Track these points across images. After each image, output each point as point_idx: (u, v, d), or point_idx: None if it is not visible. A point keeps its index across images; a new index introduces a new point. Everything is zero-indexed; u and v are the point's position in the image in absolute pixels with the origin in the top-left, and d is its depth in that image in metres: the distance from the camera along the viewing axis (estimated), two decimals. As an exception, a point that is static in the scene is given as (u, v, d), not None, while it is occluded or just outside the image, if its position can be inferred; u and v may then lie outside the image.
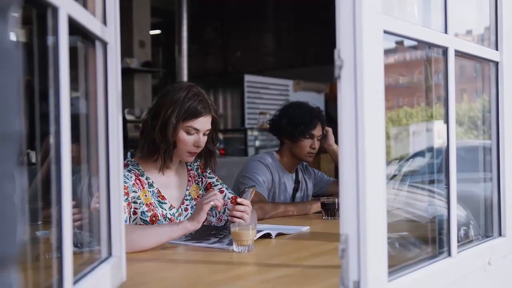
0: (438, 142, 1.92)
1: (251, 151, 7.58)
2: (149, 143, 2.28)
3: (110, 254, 1.43)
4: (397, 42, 1.55)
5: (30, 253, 1.29)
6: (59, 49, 1.04)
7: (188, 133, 2.26)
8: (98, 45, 1.39)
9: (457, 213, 1.63)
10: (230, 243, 1.98)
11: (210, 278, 1.65)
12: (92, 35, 1.32)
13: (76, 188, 1.22)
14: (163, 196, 2.32)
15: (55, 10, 1.03)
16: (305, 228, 2.44)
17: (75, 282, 1.13)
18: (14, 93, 0.62)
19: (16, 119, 0.63)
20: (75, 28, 1.15)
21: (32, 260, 1.30)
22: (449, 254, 1.58)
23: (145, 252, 1.99)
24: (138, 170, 2.28)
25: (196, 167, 2.50)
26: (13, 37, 0.64)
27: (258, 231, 2.11)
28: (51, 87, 1.05)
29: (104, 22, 1.41)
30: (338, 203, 2.74)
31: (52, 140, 1.05)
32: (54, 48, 1.04)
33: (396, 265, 1.39)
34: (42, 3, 0.99)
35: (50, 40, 1.05)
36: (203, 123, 2.28)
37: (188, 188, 2.43)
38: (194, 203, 2.42)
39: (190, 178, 2.46)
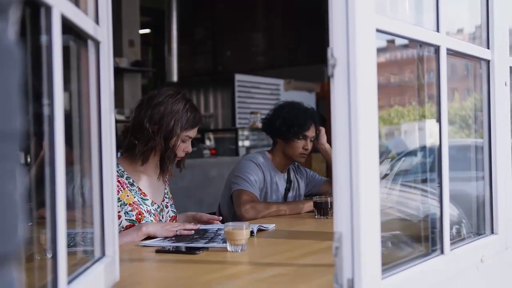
0: (430, 141, 1.93)
1: (242, 151, 7.57)
2: (149, 149, 2.35)
3: (103, 254, 1.43)
4: (388, 41, 1.56)
5: (23, 253, 1.29)
6: (52, 48, 1.03)
7: (183, 141, 2.40)
8: (90, 44, 1.38)
9: (450, 212, 1.64)
10: (224, 241, 1.98)
11: (204, 277, 1.64)
12: (85, 34, 1.31)
13: (68, 189, 1.21)
14: (144, 193, 2.40)
15: (48, 9, 1.02)
16: (271, 226, 2.46)
17: (69, 282, 1.13)
18: (15, 91, 0.62)
19: (17, 118, 0.63)
20: (67, 27, 1.15)
21: (25, 261, 1.29)
22: (442, 252, 1.58)
23: (138, 253, 1.99)
24: (118, 171, 2.31)
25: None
26: (13, 36, 0.64)
27: None
28: (44, 87, 1.04)
29: (97, 21, 1.40)
30: (330, 202, 2.74)
31: (45, 140, 1.04)
32: (48, 47, 1.04)
33: (389, 263, 1.39)
34: (36, 2, 0.98)
35: (43, 39, 1.04)
36: (196, 131, 2.46)
37: (166, 187, 2.56)
38: (171, 202, 2.56)
39: (166, 179, 2.57)
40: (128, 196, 2.32)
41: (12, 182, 0.62)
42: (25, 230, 0.65)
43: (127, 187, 2.34)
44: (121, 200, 2.29)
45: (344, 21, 1.21)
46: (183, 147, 2.41)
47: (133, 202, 2.32)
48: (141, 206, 2.34)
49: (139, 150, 2.34)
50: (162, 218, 2.44)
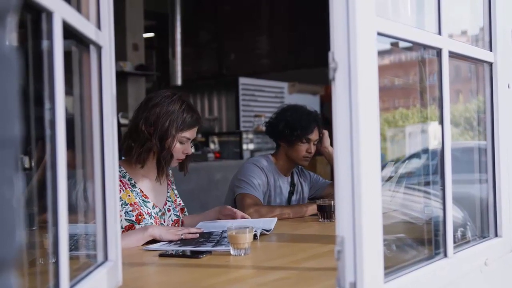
0: (434, 143, 1.92)
1: (246, 154, 7.57)
2: (145, 151, 2.36)
3: (106, 258, 1.43)
4: (392, 44, 1.56)
5: (25, 258, 1.29)
6: (53, 54, 1.04)
7: (181, 142, 2.40)
8: (92, 49, 1.39)
9: (454, 214, 1.63)
10: (229, 245, 1.97)
11: (207, 281, 1.64)
12: (86, 39, 1.31)
13: (71, 193, 1.22)
14: (146, 195, 2.41)
15: (49, 14, 1.03)
16: (274, 220, 2.51)
17: (71, 287, 1.13)
18: (13, 98, 0.63)
19: (15, 124, 0.64)
20: (69, 32, 1.15)
21: (28, 265, 1.30)
22: (445, 255, 1.58)
23: (141, 257, 1.99)
24: (120, 172, 2.32)
25: (170, 173, 2.64)
26: (11, 42, 0.64)
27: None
28: (46, 92, 1.04)
29: (98, 26, 1.40)
30: (334, 205, 2.73)
31: (47, 144, 1.04)
32: (49, 52, 1.04)
33: (392, 266, 1.39)
34: (37, 7, 0.99)
35: (44, 44, 1.05)
36: (194, 132, 2.45)
37: (168, 190, 2.55)
38: (174, 205, 2.55)
39: (169, 182, 2.58)
40: (129, 196, 2.33)
41: (10, 188, 0.62)
42: (23, 236, 0.66)
43: (129, 187, 2.35)
44: (122, 200, 2.29)
45: (344, 24, 1.21)
46: (182, 149, 2.40)
47: (134, 203, 2.33)
48: (142, 207, 2.35)
49: (136, 152, 2.35)
50: (164, 221, 2.44)
